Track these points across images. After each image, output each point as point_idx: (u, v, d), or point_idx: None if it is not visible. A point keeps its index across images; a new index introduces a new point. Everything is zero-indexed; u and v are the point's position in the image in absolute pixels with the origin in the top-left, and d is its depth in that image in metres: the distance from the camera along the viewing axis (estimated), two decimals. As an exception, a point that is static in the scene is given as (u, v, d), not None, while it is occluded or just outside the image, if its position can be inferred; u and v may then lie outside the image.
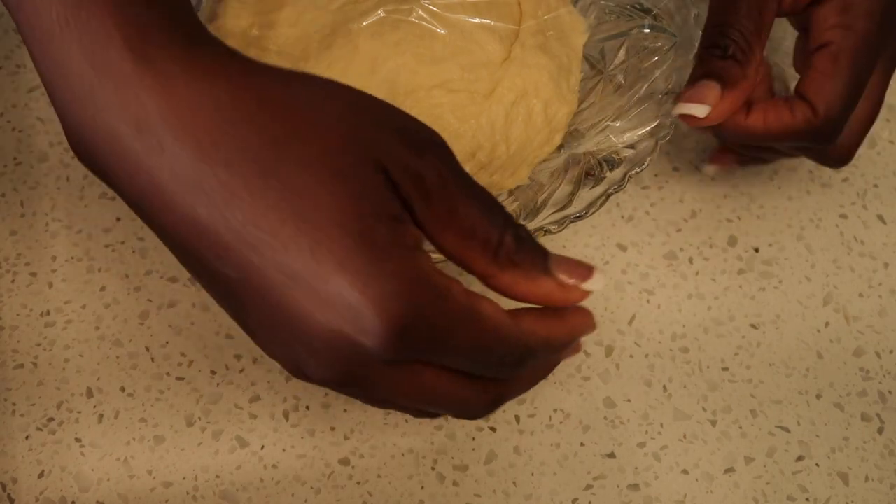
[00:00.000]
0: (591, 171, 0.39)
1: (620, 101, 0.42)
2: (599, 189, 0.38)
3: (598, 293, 0.45)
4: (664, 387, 0.43)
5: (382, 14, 0.41)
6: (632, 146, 0.39)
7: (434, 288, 0.28)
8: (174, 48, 0.28)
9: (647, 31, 0.42)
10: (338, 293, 0.27)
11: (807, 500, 0.41)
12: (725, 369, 0.44)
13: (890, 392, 0.43)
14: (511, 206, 0.40)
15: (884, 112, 0.51)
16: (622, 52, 0.43)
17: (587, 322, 0.33)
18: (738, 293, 0.45)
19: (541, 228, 0.37)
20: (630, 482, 0.41)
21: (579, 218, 0.38)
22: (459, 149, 0.39)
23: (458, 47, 0.41)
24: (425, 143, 0.30)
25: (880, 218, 0.48)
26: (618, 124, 0.41)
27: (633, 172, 0.38)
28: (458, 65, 0.41)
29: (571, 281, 0.31)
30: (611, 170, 0.39)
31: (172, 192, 0.28)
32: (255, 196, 0.27)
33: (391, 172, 0.28)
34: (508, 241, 0.30)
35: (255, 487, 0.40)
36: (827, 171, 0.49)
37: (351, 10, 0.42)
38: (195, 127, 0.28)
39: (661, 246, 0.46)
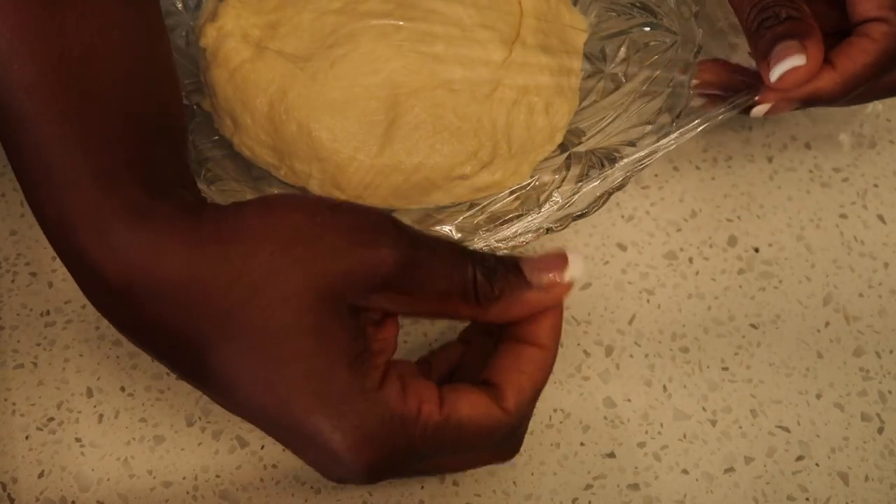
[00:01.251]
0: (593, 169, 0.39)
1: (621, 99, 0.42)
2: (601, 187, 0.38)
3: (598, 293, 0.45)
4: (664, 387, 0.43)
5: (384, 14, 0.41)
6: (633, 144, 0.39)
7: (402, 421, 0.30)
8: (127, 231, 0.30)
9: (647, 29, 0.43)
10: (318, 441, 0.30)
11: (807, 500, 0.41)
12: (725, 369, 0.44)
13: (890, 392, 0.43)
14: (512, 205, 0.40)
15: (884, 112, 0.51)
16: (623, 50, 0.43)
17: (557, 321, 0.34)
18: (738, 293, 0.45)
19: (543, 227, 0.37)
20: (630, 482, 0.41)
21: (582, 216, 0.38)
22: (461, 147, 0.40)
23: (459, 47, 0.41)
24: (374, 237, 0.30)
25: (880, 218, 0.48)
26: (619, 122, 0.41)
27: (636, 170, 0.38)
28: (460, 64, 0.41)
29: (551, 278, 0.31)
30: (612, 167, 0.39)
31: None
32: (227, 367, 0.30)
33: (350, 294, 0.30)
34: (481, 283, 0.31)
35: (255, 487, 0.40)
36: (827, 171, 0.49)
37: (352, 11, 0.42)
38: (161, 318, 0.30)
39: (661, 246, 0.46)
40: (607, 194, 0.38)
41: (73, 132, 0.30)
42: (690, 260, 0.46)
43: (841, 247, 0.47)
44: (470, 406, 0.31)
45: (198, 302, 0.29)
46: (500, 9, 0.42)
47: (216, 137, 0.42)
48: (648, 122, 0.40)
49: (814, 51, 0.39)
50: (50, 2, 0.30)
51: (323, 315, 0.29)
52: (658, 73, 0.41)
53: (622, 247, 0.46)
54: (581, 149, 0.41)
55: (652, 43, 0.42)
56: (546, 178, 0.41)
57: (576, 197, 0.39)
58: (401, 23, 0.41)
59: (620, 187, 0.38)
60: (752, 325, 0.45)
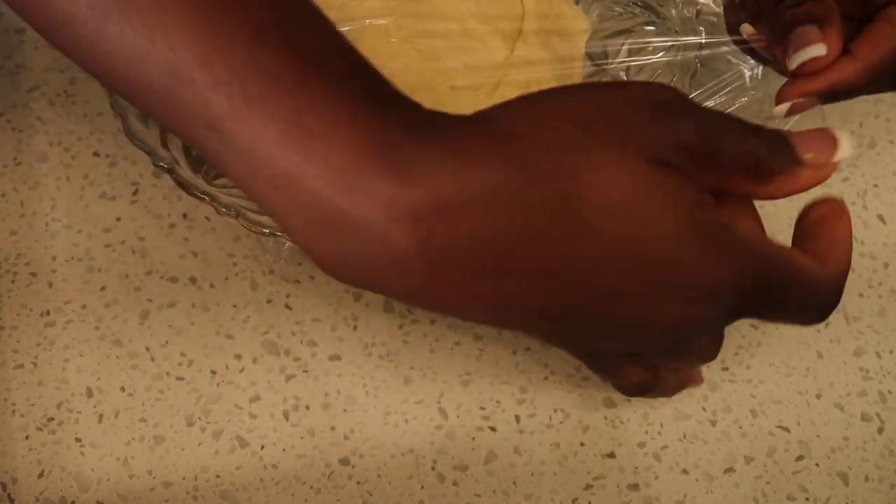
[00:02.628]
0: None
1: None
2: None
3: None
4: (664, 387, 0.43)
5: (385, 12, 0.42)
6: None
7: (764, 249, 0.30)
8: (421, 151, 0.26)
9: (649, 28, 0.43)
10: (698, 287, 0.28)
11: (807, 500, 0.41)
12: (725, 369, 0.43)
13: (890, 392, 0.43)
14: None
15: (883, 112, 0.51)
16: (624, 49, 0.43)
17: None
18: (738, 293, 0.45)
19: None
20: (630, 482, 0.41)
21: None
22: None
23: (461, 45, 0.41)
24: (669, 110, 0.29)
25: (880, 218, 0.48)
26: None
27: None
28: (462, 62, 0.41)
29: (824, 157, 0.31)
30: None
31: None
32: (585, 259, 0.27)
33: (673, 160, 0.28)
34: (765, 159, 0.30)
35: (255, 487, 0.40)
36: (827, 171, 0.49)
37: (355, 8, 0.42)
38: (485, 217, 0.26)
39: (661, 246, 0.46)
40: None
41: (316, 71, 0.26)
42: (690, 260, 0.46)
43: (841, 247, 0.47)
44: (798, 255, 0.31)
45: (528, 206, 0.26)
46: (502, 7, 0.42)
47: None
48: None
49: (833, 38, 0.38)
50: None
51: (657, 174, 0.28)
52: (660, 72, 0.41)
53: (622, 247, 0.46)
54: None
55: (654, 42, 0.42)
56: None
57: None
58: (402, 21, 0.41)
59: None
60: (752, 325, 0.45)
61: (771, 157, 0.30)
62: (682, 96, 0.30)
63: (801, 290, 0.31)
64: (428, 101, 0.40)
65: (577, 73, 0.43)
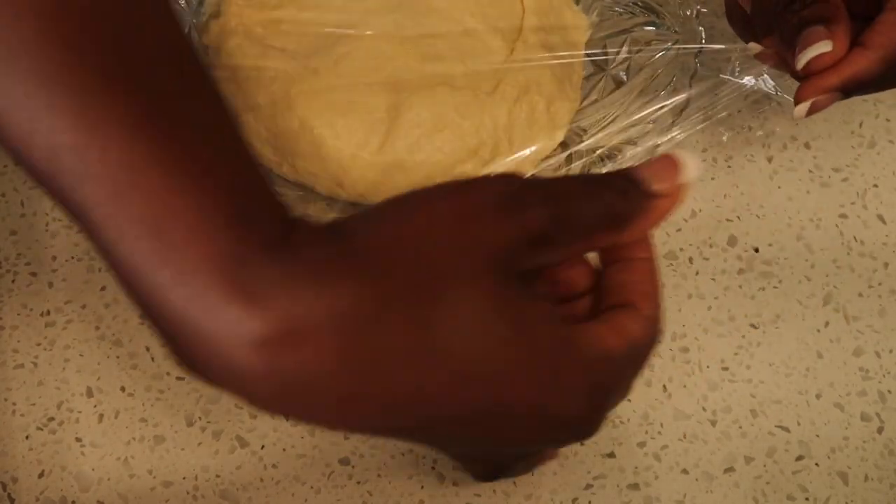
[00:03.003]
0: (595, 167, 0.39)
1: (623, 98, 0.42)
2: None
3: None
4: (664, 386, 0.43)
5: (386, 12, 0.42)
6: (634, 142, 0.39)
7: (611, 358, 0.30)
8: (272, 271, 0.26)
9: (649, 28, 0.43)
10: (552, 417, 0.29)
11: (807, 499, 0.41)
12: (725, 369, 0.43)
13: (890, 392, 0.43)
14: None
15: (883, 112, 0.51)
16: (624, 49, 0.43)
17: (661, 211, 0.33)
18: (738, 293, 0.45)
19: None
20: (630, 482, 0.41)
21: None
22: (462, 146, 0.40)
23: (461, 45, 0.41)
24: (520, 200, 0.29)
25: (880, 218, 0.48)
26: (620, 121, 0.41)
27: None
28: (462, 62, 0.41)
29: (672, 183, 0.31)
30: (613, 167, 0.39)
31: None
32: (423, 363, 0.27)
33: (519, 260, 0.28)
34: (620, 206, 0.30)
35: (255, 487, 0.40)
36: (827, 171, 0.49)
37: (354, 9, 0.42)
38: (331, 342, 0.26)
39: (661, 246, 0.46)
40: None
41: (193, 175, 0.26)
42: (690, 260, 0.46)
43: (841, 247, 0.47)
44: (632, 322, 0.31)
45: (377, 333, 0.26)
46: (502, 7, 0.43)
47: None
48: (650, 121, 0.40)
49: (840, 35, 0.38)
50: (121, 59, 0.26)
51: (503, 291, 0.28)
52: (660, 72, 0.41)
53: (622, 247, 0.46)
54: (583, 147, 0.41)
55: (654, 42, 0.42)
56: (547, 175, 0.41)
57: None
58: (403, 21, 0.41)
59: None
60: (752, 325, 0.45)
61: (625, 203, 0.30)
62: (525, 183, 0.30)
63: (637, 366, 0.32)
64: (427, 102, 0.40)
65: (577, 73, 0.43)
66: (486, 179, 0.30)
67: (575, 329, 0.30)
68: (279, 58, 0.41)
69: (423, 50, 0.41)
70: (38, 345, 0.42)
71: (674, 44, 0.42)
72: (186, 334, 0.26)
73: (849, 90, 0.39)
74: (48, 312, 0.43)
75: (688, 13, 0.42)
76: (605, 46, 0.44)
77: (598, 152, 0.40)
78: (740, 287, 0.46)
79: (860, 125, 0.51)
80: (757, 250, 0.47)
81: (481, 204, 0.28)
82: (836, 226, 0.48)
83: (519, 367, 0.28)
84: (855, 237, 0.47)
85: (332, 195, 0.40)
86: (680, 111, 0.40)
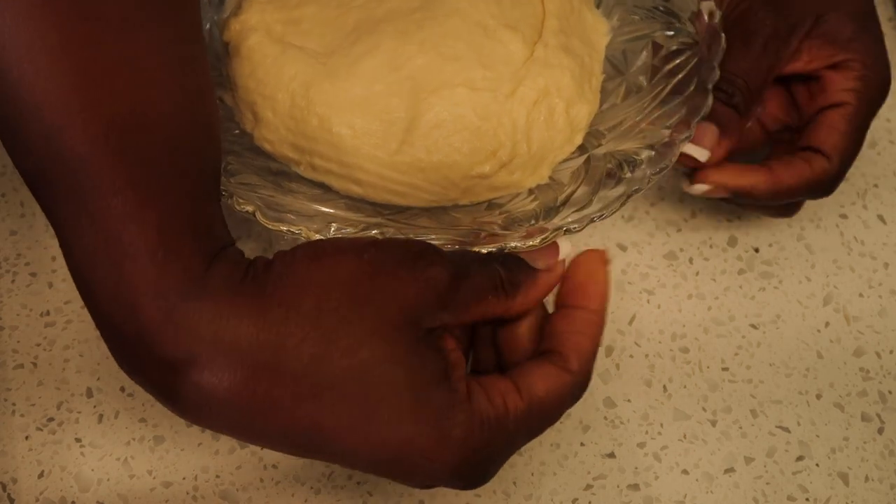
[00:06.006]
0: (612, 171, 0.39)
1: (641, 103, 0.42)
2: (620, 189, 0.38)
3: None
4: (664, 387, 0.43)
5: (407, 12, 0.41)
6: (652, 147, 0.39)
7: (497, 422, 0.31)
8: (184, 306, 0.29)
9: (670, 33, 0.42)
10: (427, 466, 0.31)
11: (807, 500, 0.41)
12: (725, 369, 0.44)
13: (890, 392, 0.43)
14: (531, 206, 0.40)
15: (884, 112, 0.51)
16: (644, 54, 0.43)
17: (592, 278, 0.36)
18: (738, 293, 0.45)
19: (562, 227, 0.37)
20: (630, 482, 0.41)
21: (600, 217, 0.38)
22: (481, 147, 0.40)
23: (481, 46, 0.41)
24: (424, 261, 0.31)
25: (880, 218, 0.48)
26: (638, 125, 0.41)
27: (655, 173, 0.38)
28: (482, 64, 0.41)
29: (550, 261, 0.35)
30: (632, 171, 0.39)
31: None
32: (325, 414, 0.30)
33: (421, 318, 0.31)
34: (507, 278, 0.34)
35: (255, 487, 0.40)
36: (827, 171, 0.49)
37: (375, 8, 0.42)
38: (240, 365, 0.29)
39: (661, 246, 0.46)
40: (626, 196, 0.38)
41: (125, 204, 0.28)
42: (690, 260, 0.46)
43: (841, 247, 0.47)
44: (543, 380, 0.33)
45: (271, 369, 0.29)
46: (523, 9, 0.42)
47: (237, 132, 0.42)
48: (667, 126, 0.40)
49: (719, 151, 0.42)
50: (100, 71, 0.28)
51: (405, 344, 0.30)
52: (679, 77, 0.41)
53: (622, 247, 0.46)
54: (600, 151, 0.41)
55: (674, 47, 0.42)
56: (564, 178, 0.41)
57: (594, 198, 0.38)
58: (424, 21, 0.41)
59: (639, 191, 0.38)
60: (752, 325, 0.45)
61: (511, 274, 0.34)
62: (429, 245, 0.32)
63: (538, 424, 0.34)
64: (447, 103, 0.40)
65: (597, 77, 0.43)
66: (394, 240, 0.33)
67: (472, 387, 0.31)
68: (299, 56, 0.41)
69: (443, 51, 0.41)
70: (38, 345, 0.42)
71: (694, 49, 0.41)
72: (117, 338, 0.30)
73: (737, 196, 0.43)
74: (48, 312, 0.43)
75: (709, 19, 0.41)
76: (625, 50, 0.43)
77: (616, 156, 0.40)
78: (740, 287, 0.46)
79: (860, 125, 0.51)
80: (757, 250, 0.47)
81: (390, 260, 0.31)
82: (836, 226, 0.48)
83: (404, 418, 0.30)
84: (855, 237, 0.47)
85: (350, 194, 0.40)
86: (700, 117, 0.39)
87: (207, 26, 0.44)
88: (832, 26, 0.42)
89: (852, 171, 0.49)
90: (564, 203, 0.39)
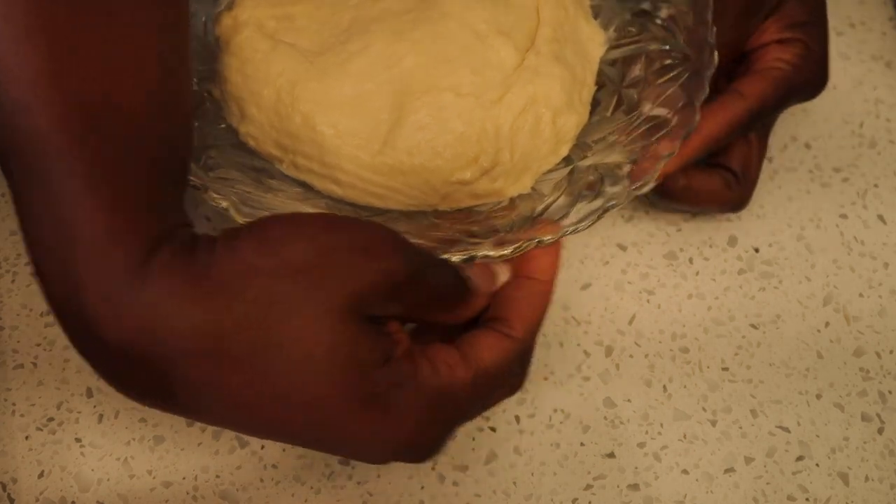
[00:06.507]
0: (593, 184, 0.39)
1: (630, 117, 0.41)
2: (596, 203, 0.38)
3: (598, 293, 0.45)
4: (664, 387, 0.43)
5: (401, 13, 0.41)
6: (634, 161, 0.39)
7: (443, 394, 0.32)
8: (126, 293, 0.29)
9: (664, 47, 0.42)
10: (377, 443, 0.31)
11: (807, 500, 0.41)
12: (725, 369, 0.44)
13: (890, 392, 0.43)
14: (510, 216, 0.39)
15: (884, 112, 0.51)
16: (638, 66, 0.42)
17: (548, 265, 0.36)
18: (738, 293, 0.45)
19: (534, 239, 0.36)
20: (630, 482, 0.41)
21: (574, 231, 0.37)
22: (463, 152, 0.39)
23: (472, 51, 0.41)
24: (382, 251, 0.31)
25: (880, 218, 0.48)
26: (626, 139, 0.40)
27: (634, 189, 0.38)
28: (471, 69, 0.40)
29: (488, 287, 0.35)
30: (611, 185, 0.38)
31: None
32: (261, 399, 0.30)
33: (368, 306, 0.30)
34: (465, 283, 0.34)
35: (255, 487, 0.40)
36: (827, 171, 0.49)
37: (370, 7, 0.42)
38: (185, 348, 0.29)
39: (661, 246, 0.46)
40: (602, 211, 0.37)
41: (80, 186, 0.28)
42: (690, 260, 0.46)
43: (841, 247, 0.47)
44: (489, 349, 0.33)
45: (213, 355, 0.29)
46: (518, 16, 0.42)
47: (223, 126, 0.42)
48: (654, 140, 0.40)
49: (674, 160, 0.41)
50: (72, 51, 0.28)
51: (352, 330, 0.30)
52: (670, 92, 0.41)
53: (622, 247, 0.46)
54: (585, 163, 0.41)
55: (667, 62, 0.42)
56: (546, 189, 0.40)
57: (571, 211, 0.38)
58: (416, 22, 0.41)
59: (616, 206, 0.37)
60: (752, 325, 0.45)
61: (457, 287, 0.34)
62: (390, 234, 0.32)
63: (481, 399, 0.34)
64: (432, 107, 0.40)
65: (588, 88, 0.43)
66: (355, 222, 0.32)
67: (417, 361, 0.31)
68: (289, 53, 0.41)
69: (433, 53, 0.40)
70: (38, 345, 0.42)
71: (685, 65, 0.41)
72: (66, 309, 0.30)
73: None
74: (48, 312, 0.43)
75: (703, 36, 0.41)
76: (618, 62, 0.43)
77: (599, 169, 0.40)
78: (740, 287, 0.46)
79: (860, 125, 0.51)
80: (757, 250, 0.47)
81: (344, 246, 0.30)
82: (836, 226, 0.48)
83: (352, 400, 0.30)
84: (855, 237, 0.47)
85: (330, 194, 0.40)
86: (688, 134, 0.39)
87: (203, 20, 0.44)
88: (790, 10, 0.44)
89: (852, 171, 0.49)
90: (541, 214, 0.38)
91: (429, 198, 0.40)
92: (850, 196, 0.49)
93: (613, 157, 0.40)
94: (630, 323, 0.44)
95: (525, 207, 0.40)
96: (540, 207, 0.39)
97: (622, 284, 0.45)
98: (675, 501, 0.40)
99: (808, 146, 0.50)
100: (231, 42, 0.41)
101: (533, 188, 0.41)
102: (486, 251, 0.36)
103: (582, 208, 0.38)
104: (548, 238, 0.36)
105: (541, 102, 0.41)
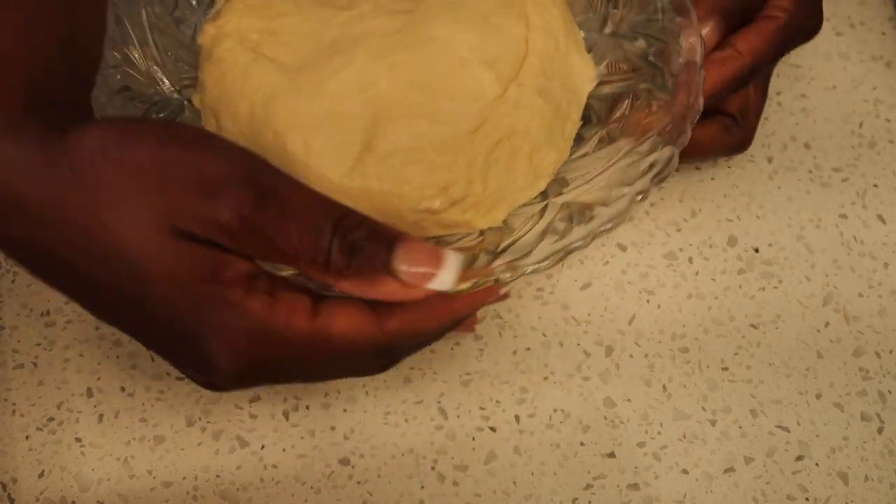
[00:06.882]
0: (561, 224, 0.38)
1: (611, 156, 0.40)
2: (560, 243, 0.36)
3: (598, 293, 0.45)
4: (664, 387, 0.43)
5: (385, 34, 0.41)
6: (605, 203, 0.37)
7: (268, 331, 0.31)
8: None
9: (652, 87, 0.41)
10: (187, 349, 0.31)
11: (807, 499, 0.41)
12: (725, 369, 0.44)
13: (890, 392, 0.43)
14: (475, 249, 0.38)
15: (884, 112, 0.51)
16: (625, 105, 0.41)
17: (469, 303, 0.34)
18: (738, 293, 0.45)
19: (493, 276, 0.35)
20: (630, 482, 0.41)
21: (534, 271, 0.36)
22: (432, 181, 0.38)
23: (453, 78, 0.39)
24: (218, 186, 0.30)
25: (880, 218, 0.48)
26: (602, 178, 0.39)
27: (599, 231, 0.36)
28: (449, 96, 0.39)
29: (417, 275, 0.31)
30: (580, 225, 0.37)
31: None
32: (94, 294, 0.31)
33: (193, 230, 0.30)
34: (336, 257, 0.30)
35: (255, 487, 0.40)
36: (827, 171, 0.49)
37: (356, 25, 0.41)
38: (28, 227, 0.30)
39: (661, 246, 0.46)
40: (565, 252, 0.36)
41: None
42: (690, 260, 0.46)
43: (841, 247, 0.47)
44: (346, 320, 0.32)
45: (56, 219, 0.30)
46: (506, 45, 0.40)
47: None
48: (628, 184, 0.38)
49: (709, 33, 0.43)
50: None
51: (173, 239, 0.30)
52: (652, 133, 0.39)
53: (622, 247, 0.46)
54: (559, 200, 0.39)
55: (653, 102, 0.41)
56: (517, 224, 0.39)
57: (535, 249, 0.37)
58: (399, 45, 0.40)
59: (581, 247, 0.36)
60: (752, 325, 0.45)
61: (345, 258, 0.30)
62: (235, 179, 0.31)
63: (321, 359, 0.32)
64: (405, 132, 0.38)
65: (572, 123, 0.41)
66: (207, 147, 0.32)
67: (256, 295, 0.31)
68: (267, 68, 0.40)
69: (412, 78, 0.39)
70: (38, 345, 0.42)
71: (667, 108, 0.40)
72: None
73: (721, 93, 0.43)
74: (48, 312, 0.43)
75: (693, 79, 0.40)
76: (606, 99, 0.42)
77: (572, 207, 0.38)
78: (740, 287, 0.46)
79: (860, 125, 0.51)
80: (757, 250, 0.47)
81: (185, 169, 0.30)
82: (836, 226, 0.48)
83: (170, 306, 0.30)
84: (855, 237, 0.47)
85: None
86: (661, 178, 0.38)
87: (193, 27, 0.44)
88: None
89: (852, 171, 0.49)
90: (504, 250, 0.37)
91: (397, 224, 0.38)
92: (850, 196, 0.49)
93: (589, 197, 0.38)
94: (630, 323, 0.44)
95: (491, 241, 0.38)
96: (505, 242, 0.38)
97: (622, 284, 0.45)
98: (674, 501, 0.40)
99: (807, 146, 0.50)
100: (213, 52, 0.41)
101: (505, 221, 0.40)
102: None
103: (545, 248, 0.37)
104: (508, 276, 0.35)
105: (519, 136, 0.39)
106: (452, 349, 0.43)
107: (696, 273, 0.46)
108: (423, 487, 0.40)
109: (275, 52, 0.41)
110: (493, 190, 0.39)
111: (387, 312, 0.32)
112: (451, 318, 0.34)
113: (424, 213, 0.39)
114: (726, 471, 0.41)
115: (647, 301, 0.45)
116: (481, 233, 0.39)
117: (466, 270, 0.34)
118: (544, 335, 0.44)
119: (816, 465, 0.42)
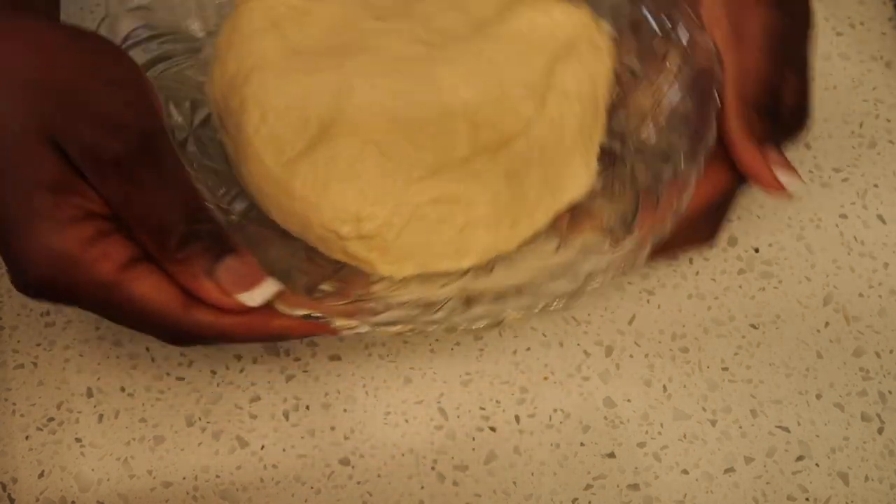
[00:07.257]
0: (448, 304, 0.36)
1: (554, 258, 0.38)
2: (438, 315, 0.35)
3: (598, 293, 0.45)
4: (664, 387, 0.43)
5: (399, 56, 0.40)
6: (500, 323, 0.36)
7: (73, 261, 0.31)
8: None
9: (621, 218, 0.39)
10: (5, 245, 0.32)
11: (807, 500, 0.41)
12: (725, 369, 0.44)
13: (890, 392, 0.43)
14: (376, 293, 0.37)
15: (884, 112, 0.51)
16: (590, 231, 0.39)
17: (291, 328, 0.34)
18: (738, 293, 0.45)
19: (356, 327, 0.34)
20: (630, 482, 0.41)
21: (398, 334, 0.35)
22: (351, 206, 0.37)
23: (431, 123, 0.38)
24: (117, 125, 0.31)
25: (880, 218, 0.48)
26: (532, 279, 0.37)
27: (481, 327, 0.35)
28: (414, 138, 0.38)
29: (233, 285, 0.32)
30: (472, 308, 0.36)
31: None
32: None
33: (64, 144, 0.31)
34: (172, 242, 0.32)
35: (255, 487, 0.40)
36: (827, 171, 0.49)
37: (375, 39, 0.40)
38: None
39: (661, 246, 0.46)
40: (435, 324, 0.35)
41: None
42: (690, 260, 0.46)
43: (841, 247, 0.47)
44: (152, 287, 0.32)
45: None
46: (504, 116, 0.39)
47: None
48: (537, 304, 0.36)
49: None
50: None
51: (35, 137, 0.31)
52: (593, 236, 0.38)
53: (622, 247, 0.46)
54: (478, 286, 0.37)
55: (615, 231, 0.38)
56: (427, 290, 0.37)
57: (410, 314, 0.35)
58: (399, 72, 0.39)
59: (451, 330, 0.35)
60: (752, 325, 0.45)
61: (178, 246, 0.32)
62: (139, 125, 0.32)
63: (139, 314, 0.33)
64: (350, 151, 0.37)
65: (532, 221, 0.39)
66: (138, 91, 0.34)
67: (83, 226, 0.31)
68: (272, 40, 0.40)
69: (390, 105, 0.38)
70: (38, 345, 0.42)
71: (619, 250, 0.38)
72: None
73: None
74: (48, 312, 0.43)
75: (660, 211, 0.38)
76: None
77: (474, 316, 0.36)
78: (740, 287, 0.46)
79: (860, 125, 0.51)
80: (757, 250, 0.47)
81: (90, 102, 0.32)
82: (836, 226, 0.48)
83: (6, 199, 0.31)
84: (855, 237, 0.47)
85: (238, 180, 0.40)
86: (585, 289, 0.36)
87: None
88: None
89: (852, 171, 0.49)
90: (387, 309, 0.36)
91: (306, 232, 0.38)
92: (850, 196, 0.49)
93: (502, 303, 0.36)
94: (630, 323, 0.44)
95: (372, 299, 0.37)
96: (395, 300, 0.36)
97: (622, 284, 0.45)
98: (675, 501, 0.40)
99: (808, 146, 0.50)
100: (241, 5, 0.41)
101: (420, 276, 0.38)
102: (321, 313, 0.34)
103: (413, 317, 0.35)
104: (365, 328, 0.35)
105: (459, 206, 0.38)
106: (452, 349, 0.43)
107: (697, 273, 0.46)
108: (423, 487, 0.40)
109: (292, 30, 0.41)
110: (406, 244, 0.37)
111: (198, 302, 0.33)
112: (265, 332, 0.34)
113: (331, 233, 0.37)
114: (726, 471, 0.41)
115: (647, 301, 0.45)
116: (374, 282, 0.38)
117: (302, 299, 0.34)
118: (544, 335, 0.44)
119: (817, 465, 0.42)
